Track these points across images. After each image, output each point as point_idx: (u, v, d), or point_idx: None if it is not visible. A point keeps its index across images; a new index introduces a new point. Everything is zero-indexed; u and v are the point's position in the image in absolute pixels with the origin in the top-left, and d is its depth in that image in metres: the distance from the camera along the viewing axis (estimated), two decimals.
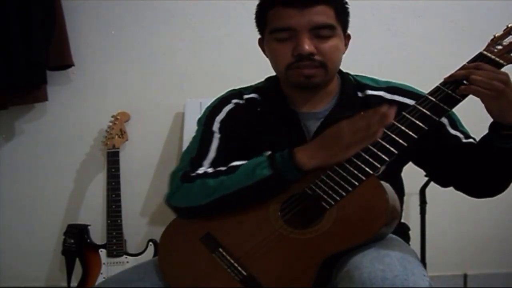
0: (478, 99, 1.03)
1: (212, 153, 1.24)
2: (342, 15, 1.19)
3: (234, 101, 1.29)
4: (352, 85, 1.26)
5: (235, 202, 1.15)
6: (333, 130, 1.08)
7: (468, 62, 0.99)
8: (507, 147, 1.08)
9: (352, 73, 1.30)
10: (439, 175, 1.27)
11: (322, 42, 1.15)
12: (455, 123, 1.23)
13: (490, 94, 1.01)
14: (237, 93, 1.32)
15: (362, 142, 1.05)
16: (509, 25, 0.99)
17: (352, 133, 1.05)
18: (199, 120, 1.32)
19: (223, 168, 1.17)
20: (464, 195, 1.22)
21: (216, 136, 1.25)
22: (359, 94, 1.25)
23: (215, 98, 1.34)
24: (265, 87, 1.31)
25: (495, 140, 1.08)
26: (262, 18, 1.22)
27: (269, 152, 1.13)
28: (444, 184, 1.26)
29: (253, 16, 1.26)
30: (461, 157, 1.18)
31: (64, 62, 2.08)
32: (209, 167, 1.21)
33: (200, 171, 1.20)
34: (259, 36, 1.27)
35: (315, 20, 1.13)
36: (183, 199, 1.20)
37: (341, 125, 1.07)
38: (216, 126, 1.27)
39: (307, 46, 1.13)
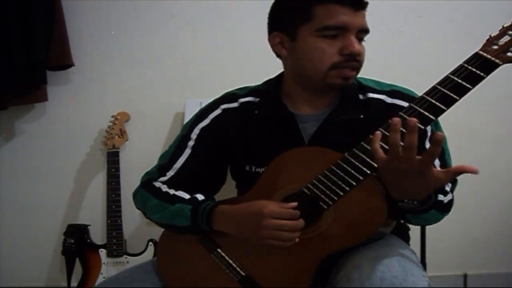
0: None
1: (178, 165, 1.28)
2: None
3: (224, 106, 1.30)
4: (354, 87, 1.24)
5: (170, 230, 1.23)
6: (257, 213, 1.06)
7: (464, 62, 0.98)
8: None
9: None
10: None
11: (360, 45, 1.16)
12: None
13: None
14: (230, 96, 1.31)
15: (273, 239, 1.05)
16: (505, 25, 0.98)
17: (271, 226, 1.04)
18: (185, 124, 1.34)
19: (171, 192, 1.23)
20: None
21: (190, 145, 1.28)
22: (361, 96, 1.22)
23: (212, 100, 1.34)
24: (264, 89, 1.30)
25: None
26: (304, 13, 1.14)
27: (202, 197, 1.20)
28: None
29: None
30: None
31: (64, 62, 2.07)
32: (169, 179, 1.27)
33: (160, 182, 1.27)
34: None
35: (364, 22, 1.16)
36: (140, 204, 1.30)
37: (265, 211, 1.05)
38: (195, 133, 1.29)
39: (358, 45, 1.14)
